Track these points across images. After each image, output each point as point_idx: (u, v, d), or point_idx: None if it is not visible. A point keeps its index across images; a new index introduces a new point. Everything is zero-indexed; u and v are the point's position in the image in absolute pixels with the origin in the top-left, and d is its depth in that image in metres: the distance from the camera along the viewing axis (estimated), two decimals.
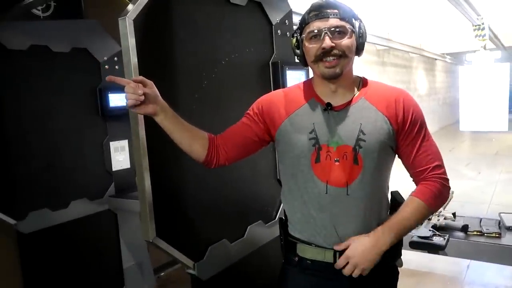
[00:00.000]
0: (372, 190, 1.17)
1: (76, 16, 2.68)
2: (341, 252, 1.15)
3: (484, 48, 5.17)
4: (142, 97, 1.11)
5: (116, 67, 2.80)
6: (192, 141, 1.23)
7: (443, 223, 1.96)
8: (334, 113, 1.17)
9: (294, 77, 1.92)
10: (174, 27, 1.44)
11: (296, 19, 3.97)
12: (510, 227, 1.89)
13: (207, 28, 1.58)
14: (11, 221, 2.30)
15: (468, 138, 11.46)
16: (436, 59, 12.83)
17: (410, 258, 3.39)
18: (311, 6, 1.17)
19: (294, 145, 1.19)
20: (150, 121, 1.34)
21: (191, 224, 1.53)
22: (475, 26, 4.91)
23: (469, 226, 1.90)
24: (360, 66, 7.89)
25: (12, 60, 2.28)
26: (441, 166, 1.21)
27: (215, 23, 1.62)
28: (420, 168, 1.19)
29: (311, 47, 1.15)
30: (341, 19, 1.13)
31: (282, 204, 1.30)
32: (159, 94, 1.17)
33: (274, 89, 1.82)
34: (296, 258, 1.25)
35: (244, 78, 1.78)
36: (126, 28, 1.27)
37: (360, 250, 1.13)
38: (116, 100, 2.74)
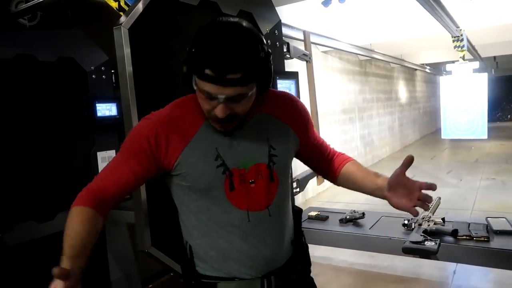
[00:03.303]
0: (286, 204, 1.14)
1: (63, 25, 2.67)
2: (268, 278, 1.08)
3: (463, 58, 5.33)
4: None
5: (103, 76, 2.79)
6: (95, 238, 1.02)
7: (434, 228, 2.00)
8: (235, 132, 1.05)
9: (285, 86, 1.95)
10: (168, 36, 1.45)
11: (285, 31, 4.02)
12: (497, 231, 1.95)
13: None
14: None
15: (448, 146, 11.72)
16: (416, 69, 13.14)
17: (397, 264, 3.44)
18: (207, 57, 0.90)
19: (201, 177, 1.03)
20: None
21: None
22: (454, 37, 5.07)
23: (458, 230, 1.95)
24: (343, 76, 8.03)
25: None
26: None
27: None
28: (326, 153, 1.24)
29: (204, 105, 0.99)
30: (243, 85, 0.93)
31: (187, 239, 1.12)
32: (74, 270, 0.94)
33: None
34: None
35: None
36: (121, 37, 1.27)
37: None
38: (104, 110, 2.73)
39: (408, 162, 1.08)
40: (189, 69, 0.96)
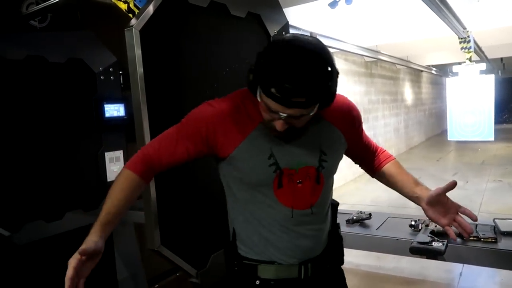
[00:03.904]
0: (328, 202, 1.21)
1: (72, 27, 2.69)
2: (306, 265, 1.15)
3: (470, 60, 5.31)
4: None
5: (111, 77, 2.81)
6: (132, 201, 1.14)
7: (441, 229, 2.00)
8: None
9: None
10: (178, 38, 1.47)
11: (291, 31, 4.05)
12: (505, 232, 1.94)
13: (209, 39, 1.61)
14: (6, 233, 2.27)
15: (454, 148, 11.66)
16: (422, 71, 13.10)
17: (403, 266, 3.43)
18: (276, 77, 0.93)
19: (253, 173, 1.10)
20: (155, 130, 1.36)
21: (194, 233, 1.54)
22: (461, 38, 5.06)
23: None
24: (349, 78, 8.02)
25: (8, 70, 2.27)
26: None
27: (217, 34, 1.65)
28: (370, 148, 1.32)
29: (265, 114, 1.03)
30: (306, 107, 0.97)
31: (233, 223, 1.19)
32: (98, 245, 1.04)
33: None
34: (258, 282, 1.15)
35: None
36: (133, 39, 1.29)
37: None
38: (112, 110, 2.75)
39: (451, 186, 1.16)
40: (256, 80, 0.99)
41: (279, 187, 1.10)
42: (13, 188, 2.30)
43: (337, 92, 1.07)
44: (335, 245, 1.23)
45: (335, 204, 1.27)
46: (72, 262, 0.98)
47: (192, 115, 1.14)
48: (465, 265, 3.36)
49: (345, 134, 1.18)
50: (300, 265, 1.14)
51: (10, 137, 2.30)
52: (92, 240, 1.02)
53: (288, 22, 2.13)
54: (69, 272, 0.98)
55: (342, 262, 1.27)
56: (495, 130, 5.62)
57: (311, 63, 0.93)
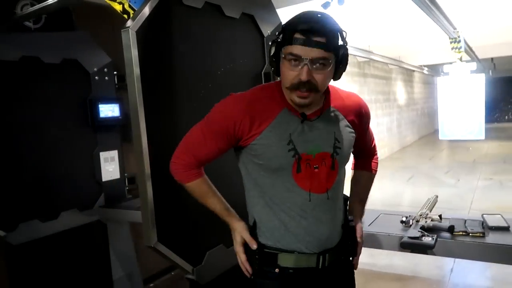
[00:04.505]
0: (341, 190, 1.30)
1: (67, 28, 2.70)
2: (324, 255, 1.22)
3: (461, 59, 5.38)
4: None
5: (106, 78, 2.82)
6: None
7: (431, 225, 2.05)
8: (308, 122, 1.20)
9: None
10: (174, 39, 1.50)
11: None
12: (492, 227, 1.99)
13: (204, 40, 1.64)
14: (1, 232, 2.28)
15: (446, 147, 11.78)
16: (414, 70, 13.21)
17: (396, 263, 3.49)
18: (298, 23, 1.09)
19: (273, 158, 1.18)
20: (151, 130, 1.38)
21: (190, 230, 1.56)
22: (452, 38, 5.12)
23: (455, 226, 2.00)
24: (342, 78, 8.06)
25: (3, 71, 2.28)
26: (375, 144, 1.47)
27: (211, 35, 1.68)
28: (366, 147, 1.43)
29: (289, 73, 1.13)
30: (326, 49, 1.09)
31: (252, 213, 1.27)
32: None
33: None
34: (277, 270, 1.22)
35: (238, 88, 1.82)
36: (129, 40, 1.31)
37: (361, 229, 1.34)
38: (106, 110, 2.76)
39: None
40: (278, 45, 1.14)
41: (298, 171, 1.18)
42: (8, 188, 2.32)
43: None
44: (349, 237, 1.31)
45: (345, 198, 1.34)
46: (241, 248, 1.24)
47: (219, 113, 1.22)
48: (456, 261, 3.42)
49: (355, 128, 1.29)
50: (319, 254, 1.21)
51: (6, 137, 2.31)
52: (239, 226, 1.25)
53: (281, 22, 2.16)
54: (243, 256, 1.24)
55: (355, 254, 1.34)
56: (487, 129, 5.69)
57: (326, 14, 1.12)
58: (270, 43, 1.18)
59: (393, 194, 6.55)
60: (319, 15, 1.10)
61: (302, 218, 1.19)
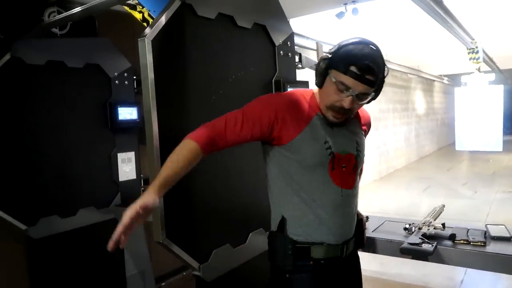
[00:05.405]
0: (358, 188, 1.42)
1: (90, 34, 2.85)
2: (347, 244, 1.35)
3: (479, 70, 5.34)
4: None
5: (125, 82, 2.95)
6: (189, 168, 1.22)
7: (433, 232, 2.08)
8: (336, 126, 1.33)
9: None
10: (187, 47, 1.58)
11: (299, 40, 4.11)
12: (495, 237, 2.00)
13: (216, 48, 1.72)
14: (22, 226, 2.41)
15: (466, 158, 11.58)
16: (434, 80, 13.06)
17: (405, 272, 3.48)
18: (357, 58, 1.19)
19: (312, 155, 1.28)
20: (164, 132, 1.47)
21: (198, 228, 1.64)
22: (469, 49, 5.10)
23: (456, 235, 2.02)
24: None
25: (29, 74, 2.43)
26: None
27: (224, 44, 1.76)
28: None
29: (333, 96, 1.24)
30: (372, 86, 1.22)
31: (282, 212, 1.32)
32: (155, 202, 1.12)
33: None
34: (311, 262, 1.31)
35: (248, 95, 1.90)
36: (145, 48, 1.40)
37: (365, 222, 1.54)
38: (125, 113, 2.88)
39: None
40: (331, 65, 1.23)
41: (332, 169, 1.29)
42: (30, 184, 2.44)
43: None
44: (360, 230, 1.45)
45: None
46: (129, 213, 1.07)
47: (262, 101, 1.31)
48: (467, 272, 3.39)
49: (364, 135, 1.46)
50: (342, 245, 1.33)
51: (30, 136, 2.44)
52: (151, 197, 1.10)
53: (293, 32, 2.23)
54: (125, 219, 1.06)
55: (363, 246, 1.50)
56: (506, 141, 5.62)
57: (379, 52, 1.24)
58: (322, 59, 1.26)
59: (408, 203, 6.50)
60: (375, 53, 1.22)
61: (335, 212, 1.30)
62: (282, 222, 1.33)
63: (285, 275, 1.32)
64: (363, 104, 1.28)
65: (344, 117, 1.30)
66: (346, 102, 1.23)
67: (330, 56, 1.25)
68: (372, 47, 1.24)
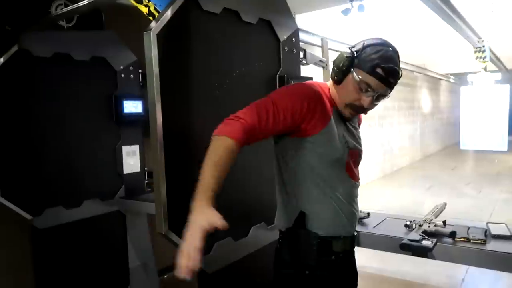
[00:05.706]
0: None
1: (97, 27, 2.87)
2: (355, 236, 1.41)
3: (485, 69, 5.31)
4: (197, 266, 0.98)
5: (131, 76, 2.97)
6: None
7: (433, 229, 2.09)
8: (348, 122, 1.38)
9: None
10: (192, 41, 1.60)
11: (304, 36, 4.11)
12: (495, 235, 2.01)
13: (221, 43, 1.74)
14: (28, 216, 2.44)
15: (471, 158, 11.53)
16: (440, 79, 12.98)
17: (406, 269, 3.49)
18: (383, 60, 1.21)
19: (335, 149, 1.29)
20: (168, 125, 1.49)
21: None
22: (476, 48, 5.07)
23: (456, 232, 2.03)
24: None
25: (36, 66, 2.45)
26: None
27: (228, 38, 1.78)
28: None
29: (354, 94, 1.26)
30: (390, 89, 1.27)
31: (301, 207, 1.31)
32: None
33: None
34: (333, 257, 1.32)
35: (252, 89, 1.93)
36: (150, 41, 1.42)
37: None
38: (130, 107, 2.90)
39: None
40: (355, 64, 1.24)
41: (348, 163, 1.34)
42: (36, 175, 2.48)
43: None
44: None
45: None
46: (199, 234, 0.99)
47: (291, 91, 1.28)
48: (468, 271, 3.40)
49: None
50: (352, 236, 1.39)
51: (36, 127, 2.47)
52: (215, 214, 1.03)
53: (298, 28, 2.23)
54: (199, 243, 0.98)
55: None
56: (509, 141, 5.59)
57: (399, 56, 1.27)
58: (345, 57, 1.25)
59: (412, 202, 6.49)
60: (396, 56, 1.25)
61: (349, 203, 1.35)
62: (302, 217, 1.30)
63: (305, 272, 1.30)
64: (377, 104, 1.31)
65: (356, 114, 1.36)
66: (366, 102, 1.26)
67: (354, 54, 1.25)
68: (394, 49, 1.26)
